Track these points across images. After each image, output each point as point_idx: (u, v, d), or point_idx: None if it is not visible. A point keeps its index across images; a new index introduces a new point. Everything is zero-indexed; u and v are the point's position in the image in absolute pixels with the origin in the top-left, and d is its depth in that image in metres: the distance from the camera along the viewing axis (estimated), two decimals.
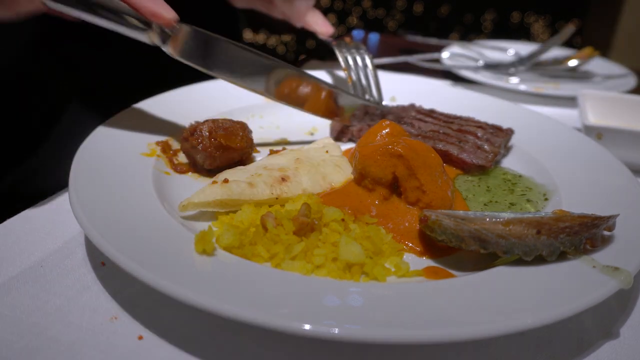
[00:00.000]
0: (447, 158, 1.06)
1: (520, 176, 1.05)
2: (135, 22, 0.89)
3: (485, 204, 0.95)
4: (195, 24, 0.94)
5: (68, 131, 1.28)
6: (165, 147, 1.00)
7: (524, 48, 2.00)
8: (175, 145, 1.03)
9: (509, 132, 1.13)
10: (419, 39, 2.12)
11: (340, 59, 1.31)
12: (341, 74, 1.42)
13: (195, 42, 0.95)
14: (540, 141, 1.14)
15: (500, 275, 0.69)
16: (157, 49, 0.94)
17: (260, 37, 4.30)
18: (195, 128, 0.96)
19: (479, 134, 1.11)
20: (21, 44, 1.22)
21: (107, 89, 1.38)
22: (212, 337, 0.66)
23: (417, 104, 1.29)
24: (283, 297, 0.63)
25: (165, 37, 0.92)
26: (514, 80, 1.72)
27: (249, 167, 0.94)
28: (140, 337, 0.65)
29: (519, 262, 0.71)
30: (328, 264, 0.73)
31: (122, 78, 1.38)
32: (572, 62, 1.79)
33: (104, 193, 0.80)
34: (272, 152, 1.05)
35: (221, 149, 0.95)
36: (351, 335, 0.57)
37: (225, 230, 0.73)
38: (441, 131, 1.12)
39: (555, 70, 1.79)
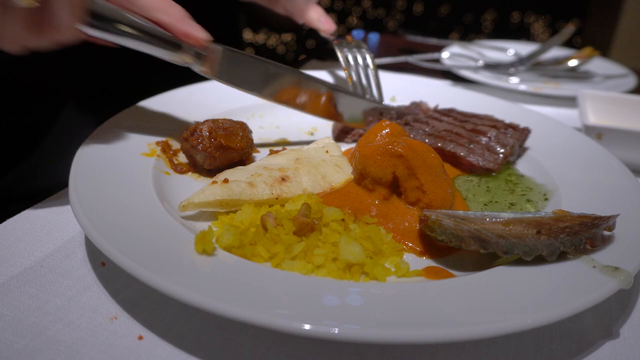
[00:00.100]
0: (455, 160, 1.06)
1: (520, 176, 1.05)
2: (167, 44, 0.91)
3: (485, 204, 0.95)
4: None
5: (68, 131, 1.28)
6: (165, 147, 1.00)
7: (524, 48, 2.00)
8: (175, 145, 1.03)
9: (524, 132, 1.12)
10: (419, 39, 2.12)
11: (341, 59, 1.31)
12: (341, 73, 1.42)
13: (228, 61, 0.98)
14: (540, 141, 1.14)
15: (500, 275, 0.69)
16: None
17: (261, 37, 4.30)
18: (195, 128, 0.96)
19: (491, 134, 1.09)
20: None
21: (107, 89, 1.38)
22: (212, 337, 0.66)
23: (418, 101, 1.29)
24: (283, 297, 0.63)
25: (198, 57, 0.95)
26: (514, 80, 1.72)
27: (249, 167, 0.94)
28: (140, 337, 0.65)
29: (519, 262, 0.71)
30: (328, 264, 0.73)
31: (122, 78, 1.38)
32: (572, 62, 1.79)
33: (104, 193, 0.80)
34: (272, 152, 1.05)
35: (221, 149, 0.95)
36: (351, 335, 0.57)
37: (225, 230, 0.73)
38: (454, 131, 1.11)
39: (555, 70, 1.80)
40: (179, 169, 0.97)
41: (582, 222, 0.75)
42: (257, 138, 1.07)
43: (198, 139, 0.94)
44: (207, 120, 0.98)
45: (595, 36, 3.88)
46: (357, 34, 2.40)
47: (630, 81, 1.73)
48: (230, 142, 0.96)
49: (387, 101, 1.33)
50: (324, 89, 1.10)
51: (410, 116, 1.19)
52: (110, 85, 1.38)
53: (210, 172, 0.96)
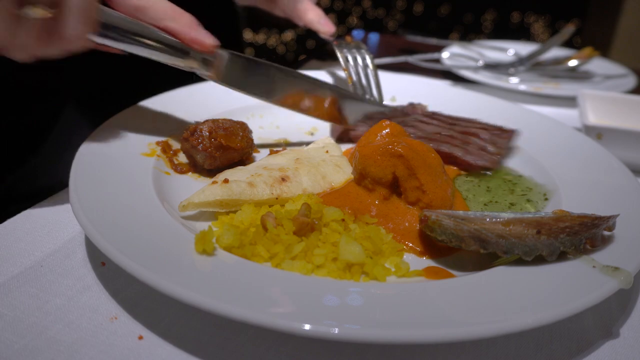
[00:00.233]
0: (452, 160, 1.06)
1: (520, 176, 1.05)
2: (176, 50, 0.91)
3: (485, 204, 0.95)
4: None
5: (68, 131, 1.28)
6: (165, 147, 1.00)
7: (524, 48, 2.00)
8: (175, 145, 1.03)
9: (512, 133, 1.13)
10: (419, 39, 2.12)
11: (341, 59, 1.31)
12: (341, 74, 1.42)
13: (235, 67, 0.99)
14: (540, 141, 1.14)
15: (500, 275, 0.69)
16: None
17: (261, 37, 4.31)
18: (195, 128, 0.96)
19: (483, 136, 1.10)
20: None
21: (107, 89, 1.38)
22: (212, 337, 0.66)
23: (416, 103, 1.28)
24: (283, 297, 0.63)
25: (204, 62, 0.95)
26: (513, 80, 1.72)
27: (249, 167, 0.94)
28: (140, 337, 0.65)
29: (519, 262, 0.71)
30: (328, 264, 0.73)
31: (122, 78, 1.38)
32: (572, 62, 1.79)
33: (104, 193, 0.80)
34: (272, 152, 1.05)
35: (221, 149, 0.95)
36: (351, 335, 0.57)
37: (225, 230, 0.73)
38: (444, 133, 1.12)
39: (555, 70, 1.80)
40: (179, 169, 0.97)
41: (582, 222, 0.75)
42: (257, 138, 1.07)
43: (198, 139, 0.94)
44: (207, 120, 0.98)
45: (595, 36, 3.88)
46: (357, 34, 2.40)
47: (630, 81, 1.73)
48: (231, 142, 0.96)
49: (387, 101, 1.33)
50: (329, 93, 1.11)
51: (398, 119, 1.19)
52: (110, 85, 1.38)
53: (210, 172, 0.96)
